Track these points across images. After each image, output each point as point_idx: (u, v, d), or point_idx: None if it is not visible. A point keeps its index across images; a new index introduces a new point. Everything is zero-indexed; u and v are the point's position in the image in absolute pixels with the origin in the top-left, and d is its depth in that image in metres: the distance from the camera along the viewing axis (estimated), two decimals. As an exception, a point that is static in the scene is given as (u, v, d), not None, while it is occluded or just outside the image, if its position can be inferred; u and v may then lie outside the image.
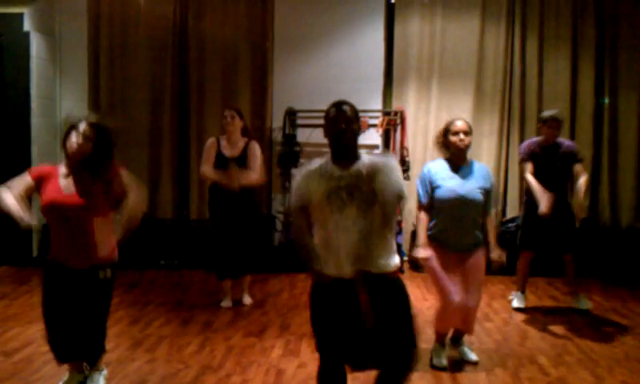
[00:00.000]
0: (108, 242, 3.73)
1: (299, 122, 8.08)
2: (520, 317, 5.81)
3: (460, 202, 4.21)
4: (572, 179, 5.81)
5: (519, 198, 7.81)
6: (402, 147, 7.89)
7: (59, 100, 8.28)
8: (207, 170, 5.79)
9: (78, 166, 3.60)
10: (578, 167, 5.72)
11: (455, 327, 4.55)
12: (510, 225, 7.43)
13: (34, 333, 5.03)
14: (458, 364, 4.52)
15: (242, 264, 5.94)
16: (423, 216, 4.37)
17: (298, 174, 3.12)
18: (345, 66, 8.07)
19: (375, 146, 8.05)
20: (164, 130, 8.33)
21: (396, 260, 3.08)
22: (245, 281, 6.11)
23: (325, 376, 3.09)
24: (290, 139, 7.87)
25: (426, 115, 8.05)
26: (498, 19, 7.95)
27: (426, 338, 4.70)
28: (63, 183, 3.61)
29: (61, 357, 3.78)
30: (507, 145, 8.04)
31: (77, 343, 3.71)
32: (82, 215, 3.57)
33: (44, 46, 7.96)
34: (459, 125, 4.29)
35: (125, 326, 5.35)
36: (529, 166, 5.77)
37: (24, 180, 3.65)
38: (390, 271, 3.03)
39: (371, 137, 7.95)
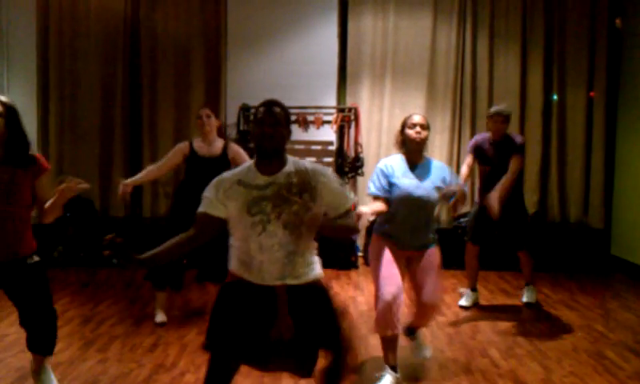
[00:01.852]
0: (27, 234, 3.57)
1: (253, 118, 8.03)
2: (471, 310, 5.90)
3: (415, 203, 4.10)
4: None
5: (470, 194, 7.92)
6: (356, 143, 7.93)
7: (7, 94, 8.06)
8: (152, 167, 5.54)
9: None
10: (513, 159, 5.63)
11: (411, 323, 4.46)
12: (462, 220, 7.52)
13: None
14: (410, 357, 4.49)
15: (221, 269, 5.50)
16: (376, 202, 4.16)
17: (213, 182, 2.86)
18: (299, 62, 8.07)
19: (329, 143, 8.07)
20: (115, 126, 8.22)
21: (318, 269, 2.92)
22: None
23: (216, 374, 2.83)
24: (244, 135, 7.84)
25: (379, 112, 8.11)
26: (450, 16, 8.05)
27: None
28: None
29: None
30: (459, 141, 8.15)
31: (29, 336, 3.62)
32: (2, 208, 3.40)
33: (-10, 40, 7.77)
34: (416, 118, 4.18)
35: (76, 325, 5.26)
36: (467, 159, 5.92)
37: None
38: (317, 278, 2.89)
39: (325, 133, 7.98)
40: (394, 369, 4.08)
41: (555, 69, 8.11)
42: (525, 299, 6.07)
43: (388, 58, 8.11)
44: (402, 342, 4.70)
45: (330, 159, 8.12)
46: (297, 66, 8.05)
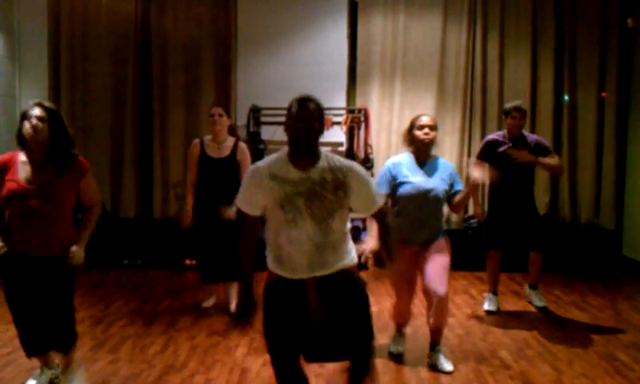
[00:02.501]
0: (67, 232, 3.71)
1: (263, 119, 8.07)
2: (481, 312, 5.87)
3: (424, 198, 4.22)
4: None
5: (481, 195, 7.90)
6: (366, 144, 7.93)
7: (19, 98, 8.14)
8: (189, 185, 5.58)
9: (41, 157, 3.57)
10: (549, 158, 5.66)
11: (429, 326, 4.46)
12: (472, 221, 7.52)
13: (-6, 335, 4.96)
14: (421, 359, 4.52)
15: (228, 268, 5.46)
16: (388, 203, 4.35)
17: (247, 174, 2.90)
18: (309, 63, 8.08)
19: (339, 144, 8.08)
20: (126, 128, 8.26)
21: (353, 255, 2.96)
22: (234, 286, 5.68)
23: (283, 373, 2.94)
24: (254, 137, 7.85)
25: (389, 113, 8.10)
26: (460, 17, 8.04)
27: (390, 332, 4.74)
28: (22, 172, 3.56)
29: (30, 350, 3.77)
30: (469, 142, 8.13)
31: (46, 334, 3.71)
32: (42, 207, 3.53)
33: (2, 44, 7.80)
34: (425, 119, 4.29)
35: (87, 326, 5.29)
36: (478, 163, 5.75)
37: None
38: (347, 267, 2.91)
39: (335, 134, 7.98)
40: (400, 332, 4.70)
41: (566, 69, 8.07)
42: (537, 304, 5.99)
43: (398, 59, 8.11)
44: (410, 341, 4.73)
45: (339, 160, 8.11)
46: (306, 67, 8.06)
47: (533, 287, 6.05)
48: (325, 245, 2.80)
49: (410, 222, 4.28)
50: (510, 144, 5.67)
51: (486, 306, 5.95)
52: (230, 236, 5.38)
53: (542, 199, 7.84)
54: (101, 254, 7.35)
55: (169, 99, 8.25)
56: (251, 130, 7.94)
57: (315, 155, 2.82)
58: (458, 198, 4.32)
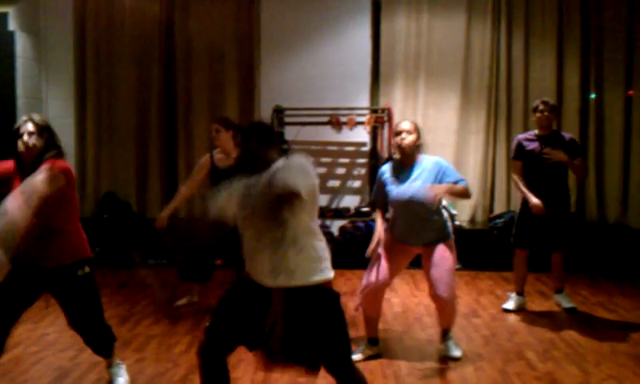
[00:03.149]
0: (74, 240, 3.69)
1: (287, 119, 8.09)
2: (508, 312, 5.81)
3: (407, 205, 4.33)
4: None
5: (507, 195, 7.86)
6: (390, 144, 7.91)
7: (45, 99, 8.25)
8: (182, 195, 5.76)
9: (31, 166, 3.55)
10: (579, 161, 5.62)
11: (439, 324, 4.63)
12: (498, 221, 7.46)
13: (22, 333, 5.01)
14: (446, 360, 4.53)
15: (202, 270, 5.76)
16: (377, 212, 4.55)
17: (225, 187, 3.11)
18: (332, 63, 8.08)
19: (363, 144, 8.07)
20: (151, 129, 8.34)
21: (326, 271, 2.96)
22: None
23: (207, 353, 3.05)
24: (278, 137, 7.86)
25: (413, 112, 8.07)
26: (484, 16, 7.99)
27: (413, 335, 4.73)
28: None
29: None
30: (494, 141, 8.08)
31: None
32: (40, 216, 3.41)
33: (29, 46, 7.91)
34: (402, 125, 4.42)
35: (113, 325, 5.22)
36: (517, 165, 5.73)
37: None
38: (317, 282, 2.91)
39: (359, 134, 7.98)
40: (371, 341, 4.55)
41: (592, 67, 7.99)
42: (566, 305, 5.86)
43: (422, 59, 8.08)
44: (435, 343, 4.71)
45: (363, 160, 8.12)
46: (330, 68, 8.06)
47: (559, 291, 5.96)
48: (281, 244, 2.87)
49: (403, 225, 4.43)
50: (540, 142, 5.58)
51: (505, 305, 5.89)
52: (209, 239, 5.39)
53: (568, 199, 7.79)
54: (126, 254, 7.41)
55: (193, 100, 8.30)
56: (275, 130, 7.95)
57: (265, 164, 2.98)
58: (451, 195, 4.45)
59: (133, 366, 4.38)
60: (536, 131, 5.70)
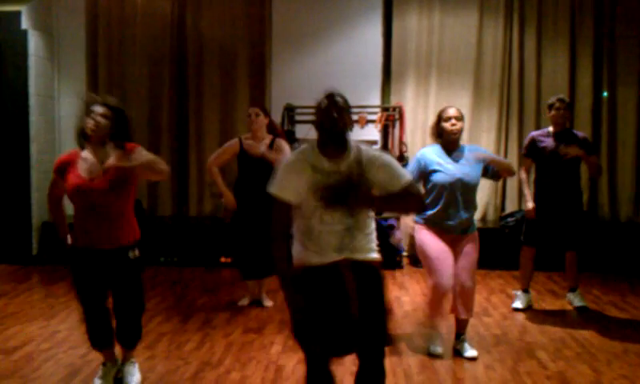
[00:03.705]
0: (131, 222, 3.87)
1: (298, 117, 8.09)
2: (518, 311, 5.79)
3: (456, 185, 4.37)
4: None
5: (518, 193, 7.82)
6: (401, 143, 7.90)
7: (58, 98, 8.29)
8: (213, 167, 5.71)
9: (101, 149, 3.70)
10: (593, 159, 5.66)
11: (455, 314, 4.59)
12: (510, 219, 7.43)
13: (34, 331, 5.05)
14: (457, 359, 4.53)
15: (266, 264, 5.51)
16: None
17: (282, 165, 2.97)
18: (343, 61, 8.07)
19: (374, 142, 8.05)
20: (163, 128, 8.36)
21: (377, 254, 3.00)
22: (266, 282, 5.89)
23: (314, 376, 2.96)
24: (288, 135, 7.87)
25: (424, 111, 8.05)
26: (496, 14, 7.95)
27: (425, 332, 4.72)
28: (84, 168, 3.67)
29: (97, 343, 3.92)
30: (506, 140, 8.05)
31: (110, 327, 3.90)
32: (106, 198, 3.64)
33: (42, 44, 7.95)
34: (451, 112, 4.47)
35: (124, 323, 5.34)
36: (526, 162, 5.78)
37: (54, 183, 3.81)
38: (374, 260, 2.97)
39: (370, 132, 7.97)
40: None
41: (605, 66, 7.93)
42: (577, 304, 5.84)
43: (433, 57, 8.06)
44: (446, 342, 4.70)
45: (374, 159, 8.09)
46: (341, 66, 8.05)
47: (572, 289, 5.93)
48: (354, 226, 2.87)
49: (443, 209, 4.43)
50: (554, 139, 5.58)
51: (514, 304, 5.89)
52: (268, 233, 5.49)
53: (580, 197, 7.76)
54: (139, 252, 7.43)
55: (204, 99, 8.32)
56: (286, 128, 7.96)
57: (344, 147, 2.91)
58: (494, 165, 4.53)
59: (143, 363, 4.39)
60: (550, 128, 5.69)
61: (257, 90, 8.27)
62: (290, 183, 2.87)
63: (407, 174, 2.98)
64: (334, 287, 2.85)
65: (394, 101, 8.13)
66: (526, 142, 5.86)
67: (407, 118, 7.98)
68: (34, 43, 7.77)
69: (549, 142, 5.60)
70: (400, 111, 7.95)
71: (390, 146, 8.01)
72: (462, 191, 4.38)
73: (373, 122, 7.89)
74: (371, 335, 2.88)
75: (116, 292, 3.84)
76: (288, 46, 8.20)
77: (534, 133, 5.88)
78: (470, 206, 4.47)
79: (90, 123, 3.62)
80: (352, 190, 2.79)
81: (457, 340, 4.66)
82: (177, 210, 8.44)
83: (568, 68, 7.90)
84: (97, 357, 4.24)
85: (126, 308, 3.88)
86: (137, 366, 4.13)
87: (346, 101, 2.95)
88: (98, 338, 3.90)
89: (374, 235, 3.01)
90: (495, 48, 7.99)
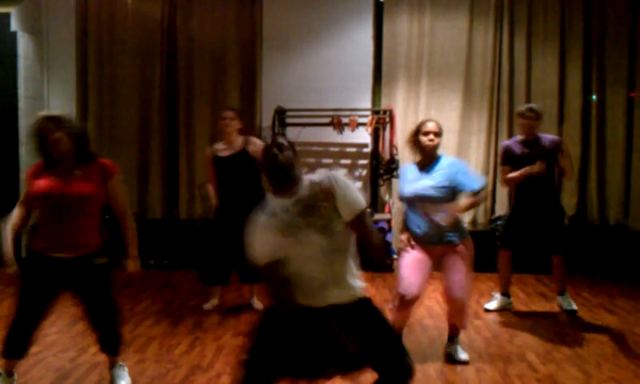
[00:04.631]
0: (95, 233, 3.81)
1: (288, 120, 8.08)
2: (509, 314, 5.82)
3: (419, 200, 4.32)
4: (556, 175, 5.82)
5: (508, 196, 7.84)
6: (392, 146, 7.91)
7: (47, 100, 8.25)
8: (210, 188, 5.82)
9: (66, 162, 3.66)
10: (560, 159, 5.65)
11: (449, 322, 4.64)
12: (499, 222, 7.43)
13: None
14: (448, 362, 4.54)
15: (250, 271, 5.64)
16: (401, 206, 4.69)
17: (250, 234, 2.91)
18: (334, 64, 8.07)
19: (364, 145, 8.06)
20: (153, 130, 8.34)
21: (360, 283, 2.94)
22: (257, 286, 5.92)
23: None
24: (279, 138, 7.86)
25: (415, 114, 8.06)
26: (487, 17, 7.98)
27: (415, 338, 4.71)
28: (55, 174, 3.65)
29: (11, 353, 3.77)
30: (496, 142, 8.05)
31: (30, 341, 3.77)
32: (75, 205, 3.61)
33: (31, 46, 7.92)
34: (430, 126, 4.42)
35: (114, 326, 5.32)
36: (506, 170, 5.76)
37: (25, 194, 3.80)
38: (360, 296, 2.91)
39: (360, 136, 7.96)
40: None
41: (594, 68, 7.96)
42: (567, 307, 5.87)
43: (424, 60, 8.07)
44: (436, 345, 4.71)
45: (364, 161, 8.11)
46: (332, 69, 8.05)
47: (561, 293, 5.96)
48: (333, 251, 2.82)
49: (414, 223, 4.40)
50: (524, 146, 5.66)
51: (487, 305, 5.97)
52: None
53: (569, 200, 7.79)
54: (127, 255, 7.39)
55: (194, 101, 8.31)
56: (276, 131, 7.95)
57: (292, 181, 2.87)
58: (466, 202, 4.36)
59: (133, 367, 4.37)
60: (519, 136, 5.80)
61: (247, 92, 8.27)
62: (265, 243, 2.85)
63: (362, 198, 2.87)
64: (311, 327, 2.82)
65: (384, 104, 8.14)
66: (500, 151, 5.94)
67: (398, 121, 7.99)
68: (24, 45, 7.73)
69: (520, 149, 5.67)
70: (391, 114, 7.96)
71: (380, 148, 8.01)
72: (432, 204, 4.28)
73: (363, 124, 7.89)
74: (384, 363, 2.86)
75: (86, 301, 3.76)
76: (279, 48, 8.19)
77: (506, 142, 5.98)
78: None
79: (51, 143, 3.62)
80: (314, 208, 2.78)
81: (449, 342, 4.66)
82: (167, 212, 8.41)
83: (558, 71, 7.94)
84: (87, 360, 4.23)
85: (99, 316, 3.82)
86: (126, 369, 4.10)
87: (290, 142, 2.90)
88: (15, 349, 3.76)
89: (353, 258, 2.94)
90: (485, 51, 8.01)
